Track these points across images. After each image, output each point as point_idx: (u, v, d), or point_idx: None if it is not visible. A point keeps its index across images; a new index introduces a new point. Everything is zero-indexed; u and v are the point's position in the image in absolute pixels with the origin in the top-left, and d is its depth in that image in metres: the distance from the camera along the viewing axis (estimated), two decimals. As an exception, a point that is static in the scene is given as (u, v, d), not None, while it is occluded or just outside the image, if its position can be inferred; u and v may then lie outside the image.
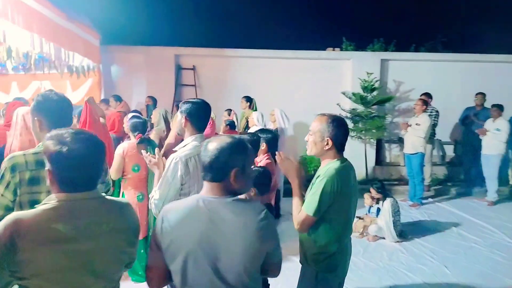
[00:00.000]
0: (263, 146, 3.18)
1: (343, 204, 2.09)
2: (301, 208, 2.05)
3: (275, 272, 1.61)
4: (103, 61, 7.61)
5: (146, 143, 3.58)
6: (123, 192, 3.44)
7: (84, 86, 7.55)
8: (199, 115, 2.29)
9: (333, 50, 8.53)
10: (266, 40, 8.14)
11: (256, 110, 6.53)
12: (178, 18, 7.83)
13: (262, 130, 3.65)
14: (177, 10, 7.86)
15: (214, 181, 1.48)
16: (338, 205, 2.07)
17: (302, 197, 2.09)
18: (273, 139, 3.32)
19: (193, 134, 2.28)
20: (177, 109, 6.69)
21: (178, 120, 2.30)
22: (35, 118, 1.80)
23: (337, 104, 7.75)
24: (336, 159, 2.13)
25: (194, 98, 2.35)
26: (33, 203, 1.68)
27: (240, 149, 1.52)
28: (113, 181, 3.58)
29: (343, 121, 2.18)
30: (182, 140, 3.94)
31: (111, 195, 3.67)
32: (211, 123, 4.48)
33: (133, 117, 3.64)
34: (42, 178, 1.69)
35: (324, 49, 8.54)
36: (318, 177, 2.06)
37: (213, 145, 1.49)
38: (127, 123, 3.72)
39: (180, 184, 2.11)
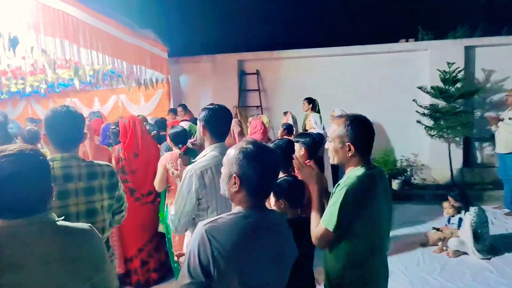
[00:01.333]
0: (302, 151, 2.89)
1: (369, 219, 1.74)
2: (319, 221, 1.76)
3: None
4: (172, 72, 7.94)
5: (189, 154, 3.51)
6: (166, 204, 3.41)
7: (155, 97, 7.96)
8: (217, 123, 2.10)
9: (406, 41, 7.75)
10: (331, 37, 7.70)
11: (318, 111, 6.18)
12: (242, 23, 7.83)
13: (301, 134, 3.33)
14: (241, 15, 7.86)
15: None
16: (363, 220, 1.73)
17: (323, 209, 1.79)
18: (314, 143, 3.00)
19: (212, 143, 2.11)
20: (239, 115, 6.61)
21: (197, 128, 2.15)
22: (43, 133, 1.79)
23: (413, 100, 7.00)
24: (360, 166, 1.80)
25: (212, 104, 2.18)
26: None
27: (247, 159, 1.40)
28: (158, 193, 3.59)
29: (363, 120, 1.83)
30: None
31: (157, 205, 3.65)
32: (262, 129, 4.29)
33: (172, 127, 3.61)
34: None
35: (397, 41, 7.80)
36: (338, 185, 1.74)
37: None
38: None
39: (196, 198, 1.95)
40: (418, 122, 7.08)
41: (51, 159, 1.76)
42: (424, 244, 4.58)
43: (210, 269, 1.28)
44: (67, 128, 1.79)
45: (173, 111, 7.08)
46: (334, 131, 1.79)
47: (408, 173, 7.43)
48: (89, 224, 1.33)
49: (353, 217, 1.69)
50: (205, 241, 1.30)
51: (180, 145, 3.54)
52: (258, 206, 1.44)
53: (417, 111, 7.04)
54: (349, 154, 1.76)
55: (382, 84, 7.61)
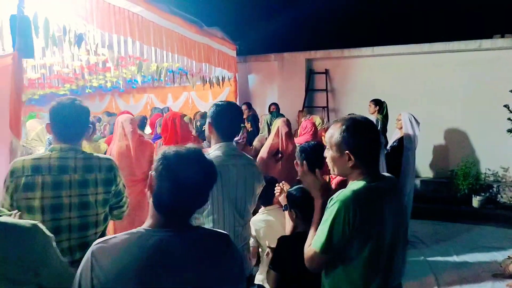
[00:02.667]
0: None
1: (369, 240, 1.45)
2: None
3: None
4: (240, 70, 7.99)
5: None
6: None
7: (222, 95, 8.08)
8: (224, 121, 1.96)
9: (502, 37, 6.70)
10: (407, 34, 7.00)
11: (386, 114, 5.67)
12: (311, 20, 7.57)
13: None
14: (310, 12, 7.59)
15: None
16: (361, 242, 1.44)
17: None
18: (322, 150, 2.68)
19: (217, 142, 1.98)
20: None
21: (206, 125, 2.04)
22: (46, 122, 1.84)
23: (505, 106, 6.04)
24: (361, 178, 1.51)
25: (222, 101, 2.05)
26: (29, 209, 1.71)
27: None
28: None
29: (364, 123, 1.53)
30: (277, 154, 3.70)
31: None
32: (312, 130, 4.03)
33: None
34: (36, 184, 1.70)
35: (490, 37, 6.80)
36: (331, 200, 1.47)
37: None
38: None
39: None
40: (510, 131, 6.09)
41: (51, 149, 1.80)
42: (498, 274, 3.89)
43: None
44: (70, 120, 1.81)
45: (236, 109, 7.11)
46: (331, 138, 1.53)
47: (494, 189, 6.44)
48: (35, 222, 1.28)
49: (348, 237, 1.42)
50: (88, 266, 1.08)
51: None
52: (167, 224, 1.15)
53: (509, 119, 6.07)
54: (350, 164, 1.49)
55: (466, 86, 6.72)
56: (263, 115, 5.34)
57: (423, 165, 7.07)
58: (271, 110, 7.14)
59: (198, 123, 5.40)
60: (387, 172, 4.32)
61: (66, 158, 1.78)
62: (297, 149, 2.56)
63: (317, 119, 4.67)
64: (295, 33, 7.79)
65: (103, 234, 1.88)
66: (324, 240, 1.43)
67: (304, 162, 1.71)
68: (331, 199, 1.46)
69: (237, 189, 1.93)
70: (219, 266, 1.18)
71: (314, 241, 1.47)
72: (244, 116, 6.89)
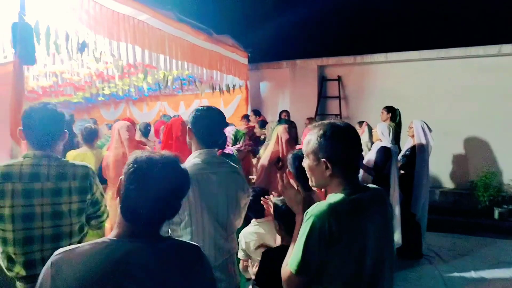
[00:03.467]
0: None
1: (347, 259, 1.29)
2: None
3: None
4: (252, 78, 7.93)
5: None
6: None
7: (233, 102, 8.03)
8: (203, 126, 1.85)
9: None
10: (423, 39, 6.75)
11: (398, 122, 5.46)
12: (323, 27, 7.43)
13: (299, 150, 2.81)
14: (322, 18, 7.46)
15: None
16: (339, 261, 1.28)
17: None
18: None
19: (197, 149, 1.87)
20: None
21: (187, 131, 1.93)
22: (19, 128, 1.78)
23: (527, 114, 5.73)
24: (340, 189, 1.36)
25: (204, 106, 1.94)
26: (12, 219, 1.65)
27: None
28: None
29: (343, 128, 1.38)
30: (278, 162, 3.57)
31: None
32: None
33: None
34: (6, 192, 1.63)
35: (510, 42, 6.49)
36: (306, 214, 1.32)
37: None
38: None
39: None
40: (534, 140, 5.77)
41: (23, 156, 1.74)
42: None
43: None
44: (43, 125, 1.75)
45: (246, 117, 7.03)
46: (307, 144, 1.39)
47: (517, 201, 6.09)
48: None
49: (324, 256, 1.27)
50: (48, 277, 1.00)
51: (216, 149, 3.39)
52: (136, 234, 1.07)
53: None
54: (327, 173, 1.34)
55: (486, 93, 6.41)
56: (270, 122, 5.21)
57: (442, 175, 6.78)
58: (282, 117, 7.02)
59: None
60: (400, 182, 4.16)
61: (39, 166, 1.70)
62: (289, 156, 2.42)
63: (324, 127, 4.51)
64: (307, 40, 7.67)
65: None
66: (299, 259, 1.28)
67: (284, 174, 1.58)
68: (306, 213, 1.32)
69: (218, 199, 1.81)
70: (189, 280, 1.10)
71: (291, 260, 1.33)
72: (253, 124, 6.79)
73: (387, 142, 4.13)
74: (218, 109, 1.95)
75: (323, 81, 7.75)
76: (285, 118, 6.99)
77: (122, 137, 3.41)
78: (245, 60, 7.61)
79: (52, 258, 1.01)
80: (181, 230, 1.76)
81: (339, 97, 7.55)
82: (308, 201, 1.53)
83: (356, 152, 1.40)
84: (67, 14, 3.73)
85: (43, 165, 1.71)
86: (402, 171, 4.49)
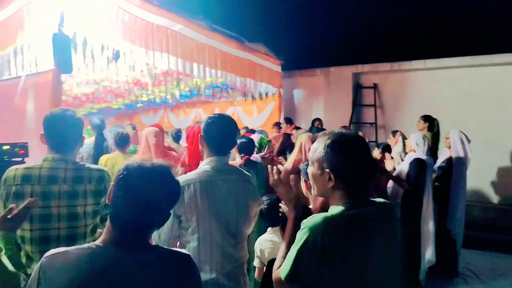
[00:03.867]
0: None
1: (342, 276, 1.22)
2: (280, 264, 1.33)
3: None
4: (285, 85, 7.91)
5: (249, 165, 3.34)
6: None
7: (266, 110, 8.04)
8: (214, 134, 1.85)
9: None
10: (464, 45, 6.40)
11: (436, 132, 5.21)
12: (358, 34, 7.26)
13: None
14: (357, 25, 7.30)
15: None
16: (333, 277, 1.22)
17: (293, 241, 1.32)
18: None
19: (209, 156, 1.88)
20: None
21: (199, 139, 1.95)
22: (40, 133, 1.87)
23: None
24: (341, 203, 1.29)
25: (216, 114, 1.95)
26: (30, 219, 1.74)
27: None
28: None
29: (353, 141, 1.30)
30: (300, 171, 3.53)
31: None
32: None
33: (242, 137, 3.49)
34: (26, 194, 1.73)
35: None
36: (303, 223, 1.27)
37: None
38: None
39: (173, 215, 1.75)
40: None
41: (43, 159, 1.83)
42: None
43: None
44: (61, 131, 1.83)
45: (278, 125, 7.00)
46: (313, 152, 1.34)
47: None
48: None
49: (316, 269, 1.22)
50: (35, 277, 1.03)
51: (242, 155, 3.42)
52: (122, 241, 1.08)
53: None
54: (330, 185, 1.29)
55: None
56: (297, 131, 5.16)
57: (482, 189, 6.36)
58: (314, 125, 6.93)
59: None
60: (435, 195, 3.95)
61: (57, 169, 1.79)
62: (303, 165, 2.37)
63: (352, 136, 4.39)
64: (341, 47, 7.53)
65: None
66: (289, 268, 1.25)
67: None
68: (303, 223, 1.28)
69: (227, 206, 1.80)
70: None
71: (282, 267, 1.29)
72: (288, 131, 6.75)
73: (421, 153, 3.95)
74: (230, 117, 1.95)
75: (358, 88, 7.58)
76: (317, 126, 6.91)
77: (149, 142, 3.51)
78: (278, 68, 7.62)
79: (42, 259, 1.04)
80: (189, 236, 1.78)
81: (374, 105, 7.33)
82: (299, 198, 1.51)
83: (364, 167, 1.31)
84: (102, 25, 3.93)
85: (60, 169, 1.80)
86: (437, 184, 4.27)
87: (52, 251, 1.06)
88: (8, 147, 3.24)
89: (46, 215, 1.74)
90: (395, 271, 1.35)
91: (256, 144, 3.86)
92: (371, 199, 1.38)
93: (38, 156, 3.42)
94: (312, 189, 1.40)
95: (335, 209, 1.28)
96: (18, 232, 1.73)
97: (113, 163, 3.60)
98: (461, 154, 4.18)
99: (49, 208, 1.75)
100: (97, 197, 1.85)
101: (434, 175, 4.31)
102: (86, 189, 1.82)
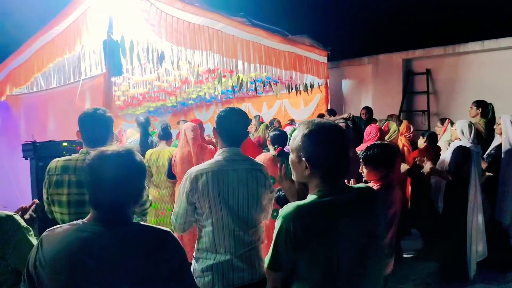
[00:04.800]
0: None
1: (316, 261, 1.28)
2: None
3: None
4: (332, 76, 7.82)
5: (283, 156, 3.44)
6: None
7: (313, 102, 8.00)
8: (226, 126, 1.97)
9: None
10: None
11: (490, 118, 4.86)
12: (407, 18, 6.92)
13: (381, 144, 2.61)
14: (404, 9, 6.94)
15: None
16: (307, 262, 1.28)
17: None
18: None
19: (222, 147, 2.02)
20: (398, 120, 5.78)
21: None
22: (77, 130, 2.14)
23: None
24: (316, 191, 1.33)
25: (226, 107, 2.06)
26: (58, 203, 2.03)
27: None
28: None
29: (328, 131, 1.33)
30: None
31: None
32: (377, 136, 3.69)
33: (274, 129, 3.59)
34: (64, 182, 2.00)
35: None
36: (279, 214, 1.34)
37: None
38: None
39: (187, 202, 1.92)
40: None
41: (80, 152, 2.10)
42: None
43: (33, 278, 1.21)
44: (93, 127, 2.09)
45: (321, 116, 6.95)
46: (293, 140, 1.40)
47: None
48: (10, 214, 1.52)
49: (293, 255, 1.29)
50: (35, 248, 1.23)
51: (275, 146, 3.53)
52: (101, 219, 1.24)
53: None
54: (306, 173, 1.34)
55: None
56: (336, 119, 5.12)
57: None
58: (361, 115, 6.77)
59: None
60: (483, 185, 3.73)
61: (90, 161, 2.05)
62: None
63: (392, 125, 4.25)
64: (390, 33, 7.23)
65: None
66: (270, 257, 1.34)
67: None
68: (279, 213, 1.35)
69: (238, 194, 1.93)
70: (153, 262, 1.23)
71: (267, 256, 1.38)
72: (332, 123, 6.67)
73: (466, 141, 3.74)
74: (240, 110, 2.07)
75: (409, 75, 7.25)
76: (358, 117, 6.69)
77: (187, 137, 3.75)
78: (324, 59, 7.53)
79: (43, 233, 1.25)
80: (203, 221, 1.94)
81: (427, 92, 6.97)
82: (302, 193, 1.55)
83: (340, 157, 1.35)
84: (147, 29, 4.24)
85: (95, 160, 2.05)
86: (489, 174, 4.02)
87: (52, 227, 1.26)
88: (66, 144, 3.69)
89: (81, 201, 2.00)
90: (375, 256, 1.37)
91: (289, 135, 3.93)
92: (352, 185, 1.42)
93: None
94: (292, 175, 1.47)
95: (309, 197, 1.34)
96: (58, 216, 2.03)
97: (157, 156, 3.90)
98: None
99: (84, 195, 2.00)
100: None
101: (485, 165, 4.06)
102: None
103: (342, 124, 3.63)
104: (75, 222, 1.26)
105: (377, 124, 4.41)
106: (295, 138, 1.39)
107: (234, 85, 7.01)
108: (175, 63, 4.86)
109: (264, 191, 2.02)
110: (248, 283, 1.96)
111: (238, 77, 6.05)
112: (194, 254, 2.03)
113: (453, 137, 4.02)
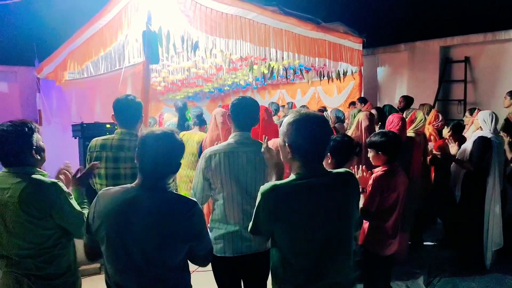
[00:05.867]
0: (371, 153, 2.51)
1: (287, 231, 1.50)
2: None
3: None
4: (368, 63, 7.78)
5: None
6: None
7: (346, 89, 8.02)
8: (238, 113, 2.22)
9: None
10: None
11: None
12: (445, 3, 6.69)
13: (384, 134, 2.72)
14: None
15: None
16: (280, 230, 1.52)
17: None
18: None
19: (234, 131, 2.27)
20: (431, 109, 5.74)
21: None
22: (112, 114, 2.48)
23: None
24: (295, 173, 1.54)
25: (240, 96, 2.31)
26: (99, 176, 2.41)
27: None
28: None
29: (311, 121, 1.51)
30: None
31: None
32: (399, 125, 3.75)
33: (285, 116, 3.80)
34: (102, 158, 2.35)
35: None
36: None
37: None
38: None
39: (203, 178, 2.21)
40: None
41: (115, 133, 2.45)
42: None
43: (91, 228, 1.56)
44: (125, 111, 2.42)
45: (353, 104, 7.01)
46: (282, 126, 1.61)
47: None
48: (55, 181, 1.85)
49: (269, 225, 1.55)
50: (94, 203, 1.57)
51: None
52: (143, 184, 1.56)
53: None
54: (289, 156, 1.55)
55: None
56: (351, 110, 5.18)
57: None
58: (399, 104, 6.69)
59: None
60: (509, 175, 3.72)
61: (124, 140, 2.39)
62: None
63: (419, 114, 4.27)
64: (427, 19, 7.04)
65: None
66: (251, 224, 1.60)
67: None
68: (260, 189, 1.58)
69: (246, 172, 2.19)
70: (181, 223, 1.55)
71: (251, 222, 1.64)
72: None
73: (487, 131, 3.75)
74: (251, 98, 2.31)
75: (446, 63, 7.07)
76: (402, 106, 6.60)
77: (217, 121, 4.04)
78: (359, 46, 7.47)
79: (99, 192, 1.60)
80: (216, 195, 2.23)
81: (465, 81, 6.78)
82: (280, 165, 1.82)
83: (319, 145, 1.55)
84: (183, 20, 4.55)
85: (126, 139, 2.40)
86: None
87: (107, 187, 1.62)
88: (109, 126, 4.12)
89: (116, 174, 2.36)
90: (344, 232, 1.58)
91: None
92: (330, 170, 1.62)
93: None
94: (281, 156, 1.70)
95: (289, 178, 1.56)
96: (98, 187, 2.40)
97: (187, 138, 4.25)
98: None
99: (118, 169, 2.37)
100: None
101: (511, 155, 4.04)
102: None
103: (367, 112, 3.74)
104: (125, 185, 1.59)
105: (406, 112, 4.45)
106: (283, 125, 1.61)
107: (265, 72, 7.22)
108: (208, 52, 5.14)
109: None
110: (255, 251, 2.23)
111: (269, 65, 6.23)
112: (208, 225, 2.33)
113: (475, 127, 4.02)
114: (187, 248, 1.59)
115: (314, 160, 1.57)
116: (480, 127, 3.84)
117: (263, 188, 1.55)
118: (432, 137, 4.89)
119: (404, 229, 3.93)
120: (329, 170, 1.63)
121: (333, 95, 8.37)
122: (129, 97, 2.46)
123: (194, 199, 1.66)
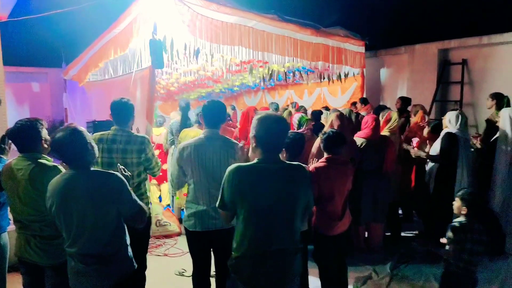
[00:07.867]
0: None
1: (244, 203, 1.91)
2: None
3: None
4: (370, 65, 8.06)
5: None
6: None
7: (349, 90, 8.33)
8: (207, 114, 2.71)
9: None
10: None
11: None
12: (443, 7, 6.88)
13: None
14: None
15: None
16: (239, 203, 1.93)
17: None
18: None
19: (205, 129, 2.76)
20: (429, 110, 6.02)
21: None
22: (109, 113, 3.00)
23: None
24: (257, 158, 1.97)
25: (210, 100, 2.79)
26: (96, 164, 2.95)
27: None
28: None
29: (269, 120, 1.96)
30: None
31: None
32: (373, 125, 4.11)
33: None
34: (99, 149, 2.87)
35: None
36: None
37: None
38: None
39: (178, 166, 2.71)
40: None
41: (111, 128, 2.98)
42: None
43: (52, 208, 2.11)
44: (117, 111, 2.91)
45: (354, 104, 7.33)
46: (252, 122, 2.03)
47: None
48: (112, 172, 2.23)
49: (232, 199, 1.94)
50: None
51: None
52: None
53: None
54: (253, 145, 2.00)
55: None
56: (329, 111, 5.54)
57: None
58: (396, 105, 7.00)
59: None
60: (479, 173, 4.01)
61: (116, 135, 2.90)
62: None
63: (394, 115, 4.59)
64: (426, 22, 7.26)
65: (138, 184, 2.97)
66: (219, 198, 2.03)
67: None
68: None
69: (212, 162, 2.66)
70: (102, 191, 2.06)
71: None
72: (362, 111, 7.05)
73: (452, 128, 4.07)
74: (219, 102, 2.80)
75: (444, 65, 7.28)
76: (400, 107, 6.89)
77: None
78: (361, 48, 7.75)
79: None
80: (188, 180, 2.73)
81: (461, 82, 6.99)
82: (243, 152, 2.35)
83: (275, 138, 1.97)
84: (184, 29, 5.07)
85: (118, 135, 2.91)
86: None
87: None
88: (117, 122, 4.68)
89: (109, 162, 2.89)
90: (292, 209, 1.96)
91: (296, 121, 4.54)
92: (285, 161, 2.04)
93: (142, 128, 4.71)
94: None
95: (251, 162, 2.01)
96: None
97: (185, 134, 4.76)
98: (508, 133, 4.10)
99: (112, 158, 2.88)
100: (139, 153, 2.89)
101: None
102: (133, 148, 2.90)
103: (338, 113, 4.14)
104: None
105: (381, 113, 4.80)
106: (253, 121, 2.04)
107: (265, 75, 7.59)
108: (209, 57, 5.65)
109: (233, 161, 2.73)
110: (220, 228, 2.69)
111: (269, 68, 6.66)
112: (185, 204, 2.84)
113: (443, 126, 4.32)
114: (115, 209, 2.06)
115: (271, 150, 1.99)
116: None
117: (230, 168, 1.98)
118: (417, 135, 5.20)
119: (378, 220, 4.31)
120: (284, 161, 2.05)
121: (337, 96, 8.69)
122: (122, 100, 2.98)
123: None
